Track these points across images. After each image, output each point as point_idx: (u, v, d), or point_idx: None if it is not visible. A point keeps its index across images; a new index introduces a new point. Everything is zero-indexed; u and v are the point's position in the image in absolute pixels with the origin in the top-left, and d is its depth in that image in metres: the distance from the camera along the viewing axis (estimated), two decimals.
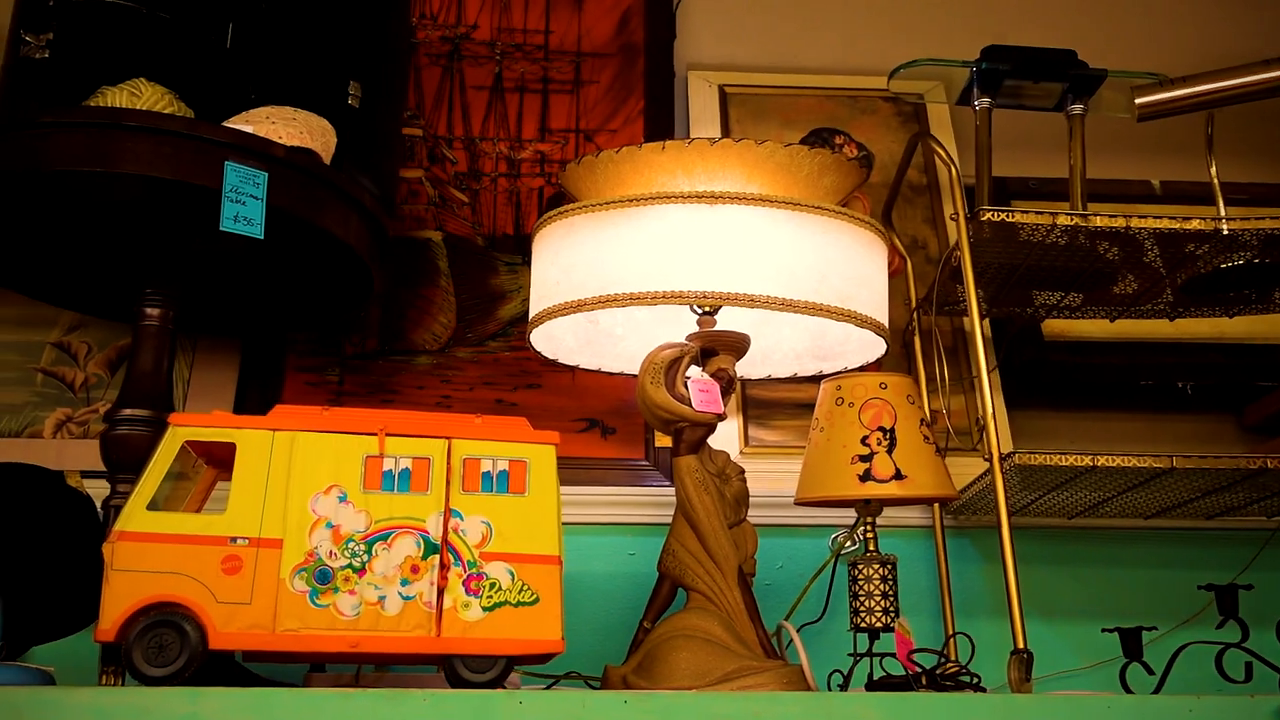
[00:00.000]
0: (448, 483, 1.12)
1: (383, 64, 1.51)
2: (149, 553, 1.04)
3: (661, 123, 1.93)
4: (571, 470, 1.66)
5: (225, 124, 1.31)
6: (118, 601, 1.02)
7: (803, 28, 2.11)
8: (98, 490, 1.31)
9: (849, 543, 1.57)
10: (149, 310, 1.37)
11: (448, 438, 1.13)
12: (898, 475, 1.26)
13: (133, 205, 1.27)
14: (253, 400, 1.69)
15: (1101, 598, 1.69)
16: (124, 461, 1.30)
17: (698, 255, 1.36)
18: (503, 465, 1.14)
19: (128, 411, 1.32)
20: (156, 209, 1.28)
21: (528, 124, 1.93)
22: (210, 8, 1.53)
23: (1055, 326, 1.81)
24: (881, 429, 1.29)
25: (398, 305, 1.78)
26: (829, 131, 1.98)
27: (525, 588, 1.10)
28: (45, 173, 1.20)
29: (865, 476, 1.26)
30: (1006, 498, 1.30)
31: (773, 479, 1.65)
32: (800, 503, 1.36)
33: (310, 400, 1.71)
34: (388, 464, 1.11)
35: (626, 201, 1.40)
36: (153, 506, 1.07)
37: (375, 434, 1.12)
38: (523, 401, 1.73)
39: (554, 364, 1.56)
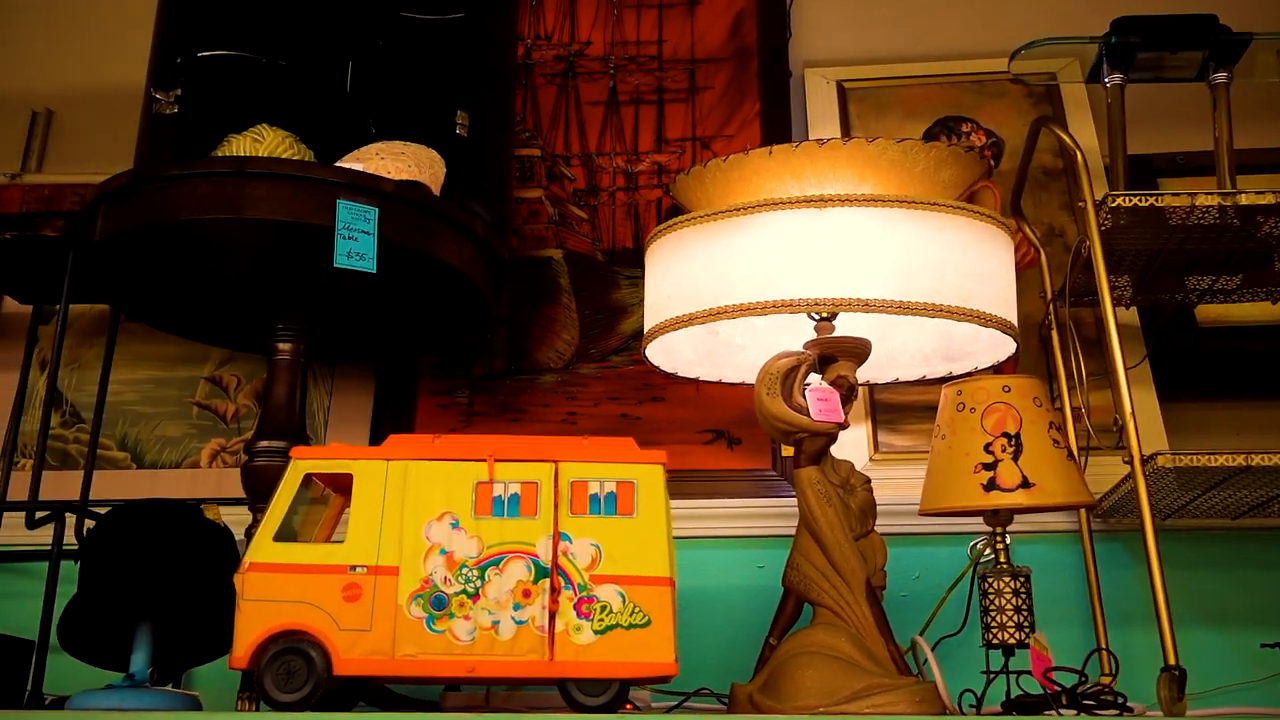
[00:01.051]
0: (556, 506, 1.12)
1: (489, 91, 1.54)
2: (276, 583, 1.09)
3: (778, 124, 1.90)
4: (698, 483, 1.66)
5: (338, 163, 1.36)
6: (248, 630, 1.07)
7: (922, 14, 2.03)
8: (244, 518, 1.38)
9: (989, 550, 1.50)
10: (280, 345, 1.44)
11: (555, 461, 1.14)
12: (1025, 483, 1.19)
13: (257, 246, 1.33)
14: (388, 424, 1.75)
15: (1271, 606, 1.56)
16: (262, 491, 1.36)
17: (808, 261, 1.33)
18: (610, 487, 1.13)
19: (264, 443, 1.39)
20: (279, 248, 1.34)
21: (644, 136, 1.93)
22: (327, 51, 1.59)
23: (1211, 312, 1.69)
24: (1006, 434, 1.22)
25: (522, 325, 1.81)
26: (955, 120, 1.90)
27: (636, 610, 1.09)
28: (175, 222, 1.27)
29: (990, 485, 1.20)
30: (1159, 499, 1.22)
31: (906, 485, 1.59)
32: (925, 513, 1.31)
33: (442, 421, 1.75)
34: (497, 490, 1.12)
35: (733, 211, 1.38)
36: (280, 537, 1.12)
37: (484, 460, 1.13)
38: (647, 415, 1.73)
39: (674, 377, 1.55)
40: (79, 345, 1.85)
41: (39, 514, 1.39)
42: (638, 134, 1.93)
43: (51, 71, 2.12)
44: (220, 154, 1.41)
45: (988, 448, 1.22)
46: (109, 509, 1.29)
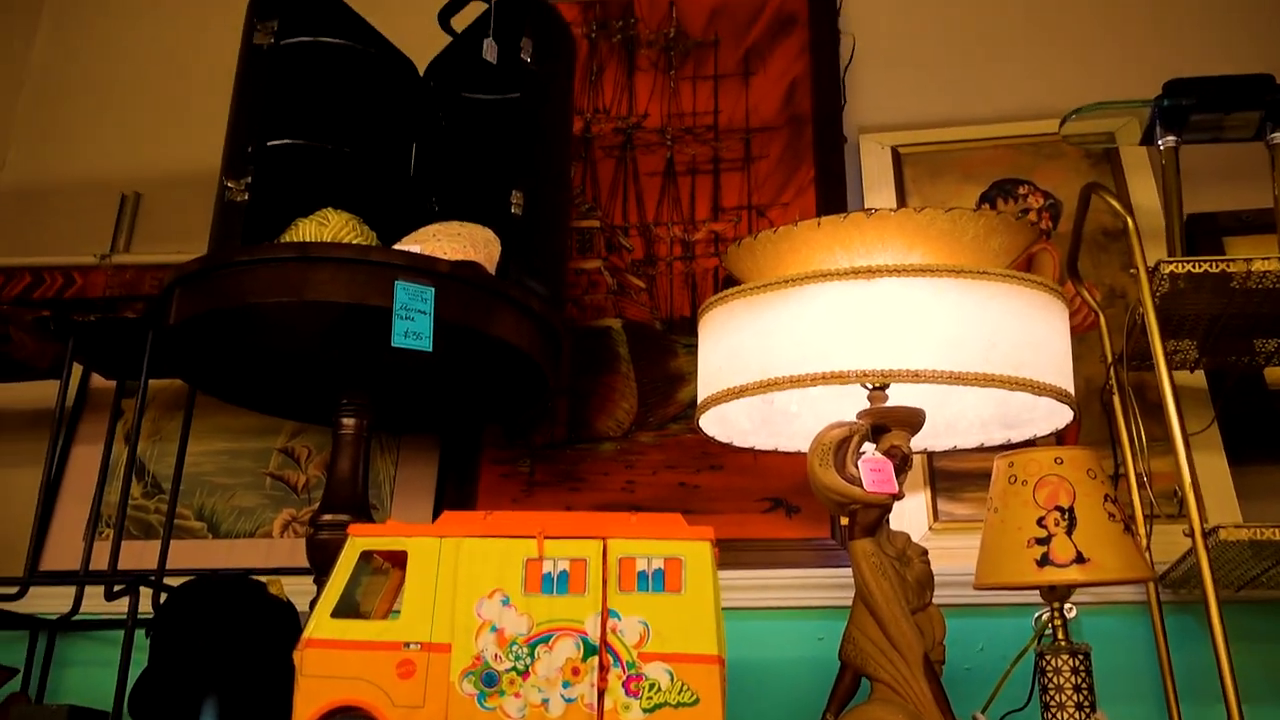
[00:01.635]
0: (604, 583, 1.13)
1: (544, 169, 1.58)
2: (333, 659, 1.12)
3: (833, 190, 1.91)
4: (756, 552, 1.66)
5: (397, 245, 1.41)
6: (307, 705, 1.10)
7: (975, 77, 2.04)
8: (310, 589, 1.42)
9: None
10: (344, 420, 1.49)
11: (603, 538, 1.15)
12: (1079, 558, 1.17)
13: (320, 326, 1.39)
14: (451, 493, 1.78)
15: None
16: (326, 564, 1.40)
17: (857, 332, 1.34)
18: (658, 564, 1.15)
19: (328, 517, 1.43)
20: (341, 328, 1.39)
21: (700, 205, 1.96)
22: (390, 135, 1.65)
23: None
24: (1059, 508, 1.20)
25: (582, 394, 1.83)
26: (1012, 182, 1.90)
27: (685, 688, 1.10)
28: (243, 306, 1.33)
29: (1044, 561, 1.18)
30: (1231, 570, 1.19)
31: (968, 555, 1.57)
32: (979, 588, 1.29)
33: (505, 490, 1.79)
34: (546, 566, 1.14)
35: (782, 283, 1.39)
36: (339, 613, 1.15)
37: (534, 537, 1.15)
38: (705, 484, 1.74)
39: (730, 447, 1.56)
40: (161, 418, 1.93)
41: (116, 586, 1.45)
42: (694, 203, 1.96)
43: (140, 155, 2.24)
44: (288, 237, 1.47)
45: (1040, 521, 1.20)
46: (179, 584, 1.34)
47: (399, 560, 1.24)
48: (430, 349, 1.31)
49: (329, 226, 1.46)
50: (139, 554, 1.77)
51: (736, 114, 2.03)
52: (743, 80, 2.06)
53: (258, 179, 1.46)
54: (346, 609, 1.17)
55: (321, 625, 1.13)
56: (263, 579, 1.35)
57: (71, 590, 1.58)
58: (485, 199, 1.53)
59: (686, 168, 1.99)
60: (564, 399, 1.84)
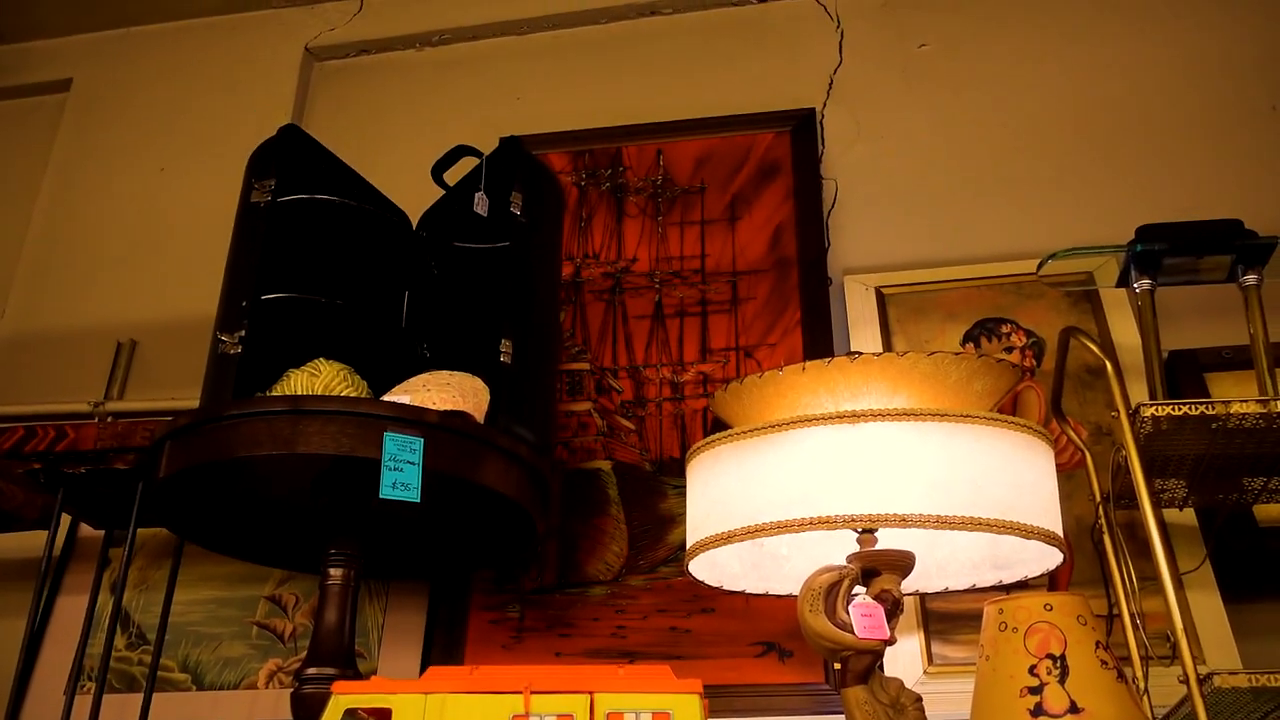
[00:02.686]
0: None
1: (533, 316, 1.61)
2: None
3: (819, 331, 1.95)
4: (749, 699, 1.63)
5: (387, 395, 1.43)
6: None
7: (957, 220, 2.10)
8: None
9: None
10: (332, 570, 1.48)
11: (590, 692, 1.14)
12: (1073, 709, 1.15)
13: (310, 477, 1.39)
14: (440, 641, 1.76)
15: None
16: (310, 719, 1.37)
17: (844, 477, 1.34)
18: (646, 718, 1.13)
19: (313, 670, 1.41)
20: (331, 479, 1.40)
21: (689, 347, 1.99)
22: (381, 286, 1.69)
23: (1272, 511, 1.64)
24: (1050, 656, 1.19)
25: (572, 537, 1.83)
26: (995, 321, 1.93)
27: None
28: (233, 459, 1.34)
29: (1037, 711, 1.16)
30: (1231, 714, 1.17)
31: (964, 699, 1.54)
32: None
33: (494, 637, 1.76)
34: None
35: (767, 428, 1.41)
36: None
37: (520, 692, 1.14)
38: (697, 628, 1.72)
39: (720, 591, 1.55)
40: (148, 567, 1.91)
41: None
42: (683, 345, 1.99)
43: (137, 304, 2.28)
44: (279, 388, 1.49)
45: (1032, 670, 1.19)
46: None
47: (384, 718, 1.22)
48: (419, 500, 1.31)
49: (320, 377, 1.49)
50: (121, 708, 1.73)
51: (724, 258, 2.08)
52: (729, 225, 2.12)
53: (251, 332, 1.49)
54: None
55: None
56: None
57: None
58: (475, 347, 1.56)
59: (675, 310, 2.03)
60: (553, 542, 1.83)
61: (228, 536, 1.64)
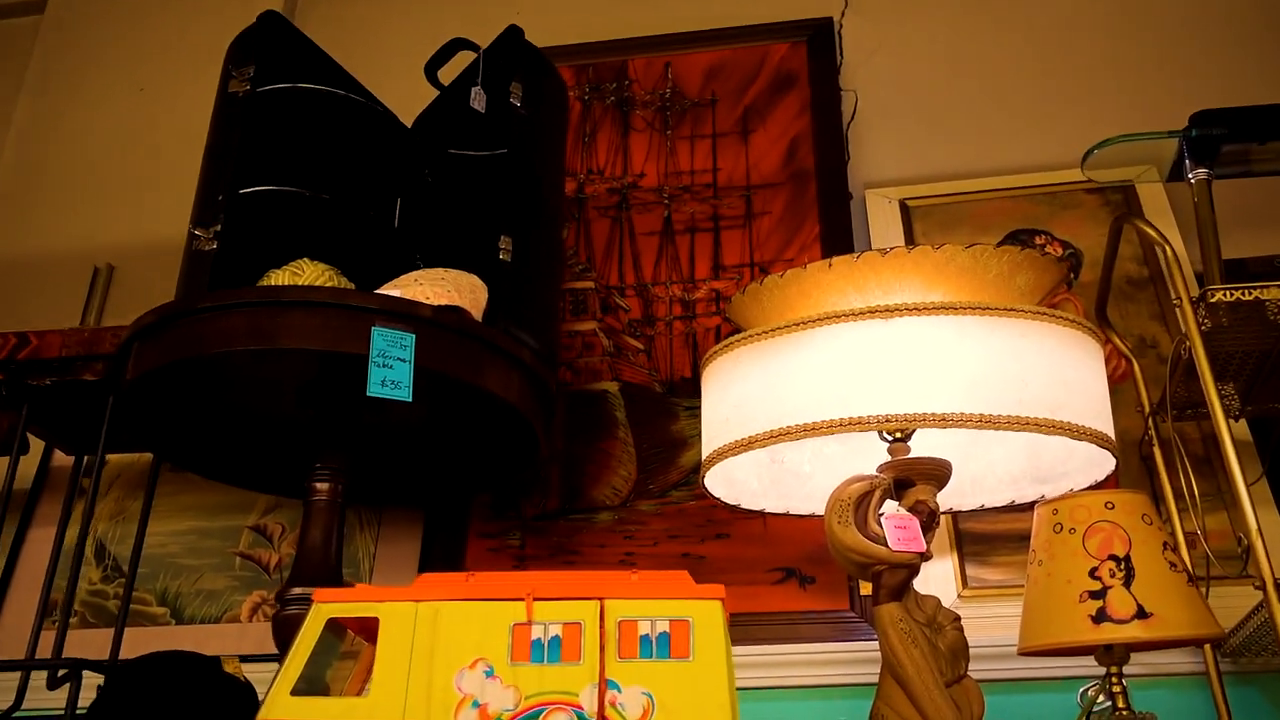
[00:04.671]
0: (602, 650, 1.00)
1: (534, 220, 1.49)
2: None
3: (839, 245, 1.82)
4: (768, 627, 1.52)
5: (377, 291, 1.31)
6: None
7: (984, 128, 1.97)
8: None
9: (1103, 696, 1.32)
10: (318, 485, 1.36)
11: (600, 599, 1.02)
12: (1140, 613, 1.04)
13: (292, 379, 1.27)
14: (437, 569, 1.64)
15: None
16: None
17: (876, 376, 1.23)
18: (663, 627, 1.01)
19: (296, 591, 1.29)
20: (315, 381, 1.28)
21: (700, 264, 1.87)
22: (372, 185, 1.56)
23: None
24: (1114, 557, 1.07)
25: (577, 461, 1.71)
26: (1028, 233, 1.81)
27: None
28: (207, 356, 1.22)
29: (1100, 617, 1.05)
30: None
31: (1000, 624, 1.43)
32: (1025, 653, 1.15)
33: (494, 566, 1.65)
34: (536, 632, 1.01)
35: (792, 326, 1.29)
36: (301, 691, 1.01)
37: (522, 599, 1.02)
38: (711, 554, 1.60)
39: (737, 509, 1.43)
40: (125, 497, 1.80)
41: (60, 672, 1.31)
42: (694, 262, 1.87)
43: (115, 228, 2.16)
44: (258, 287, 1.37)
45: (1094, 573, 1.07)
46: (122, 663, 1.19)
47: (372, 632, 1.11)
48: (410, 399, 1.19)
49: (304, 277, 1.36)
50: (95, 643, 1.62)
51: (736, 172, 1.95)
52: (741, 139, 1.99)
53: (229, 228, 1.37)
54: (310, 686, 1.03)
55: (279, 705, 0.99)
56: (221, 655, 1.20)
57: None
58: (473, 247, 1.44)
59: (685, 226, 1.91)
60: (557, 467, 1.71)
61: (209, 457, 1.52)
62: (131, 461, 1.80)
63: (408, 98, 1.71)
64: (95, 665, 1.32)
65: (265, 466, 1.53)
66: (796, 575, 1.57)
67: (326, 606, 1.04)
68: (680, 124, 2.03)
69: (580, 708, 0.97)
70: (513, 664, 0.99)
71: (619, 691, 0.98)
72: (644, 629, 1.01)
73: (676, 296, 1.83)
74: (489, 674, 0.99)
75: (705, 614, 1.01)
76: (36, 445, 1.81)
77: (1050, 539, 1.13)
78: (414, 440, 1.44)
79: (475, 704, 0.98)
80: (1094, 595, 1.06)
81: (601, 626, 1.00)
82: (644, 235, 1.90)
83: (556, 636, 1.00)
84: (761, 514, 1.46)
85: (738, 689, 1.40)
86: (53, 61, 2.41)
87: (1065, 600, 1.07)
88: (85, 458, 1.83)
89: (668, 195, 1.94)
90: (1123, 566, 1.06)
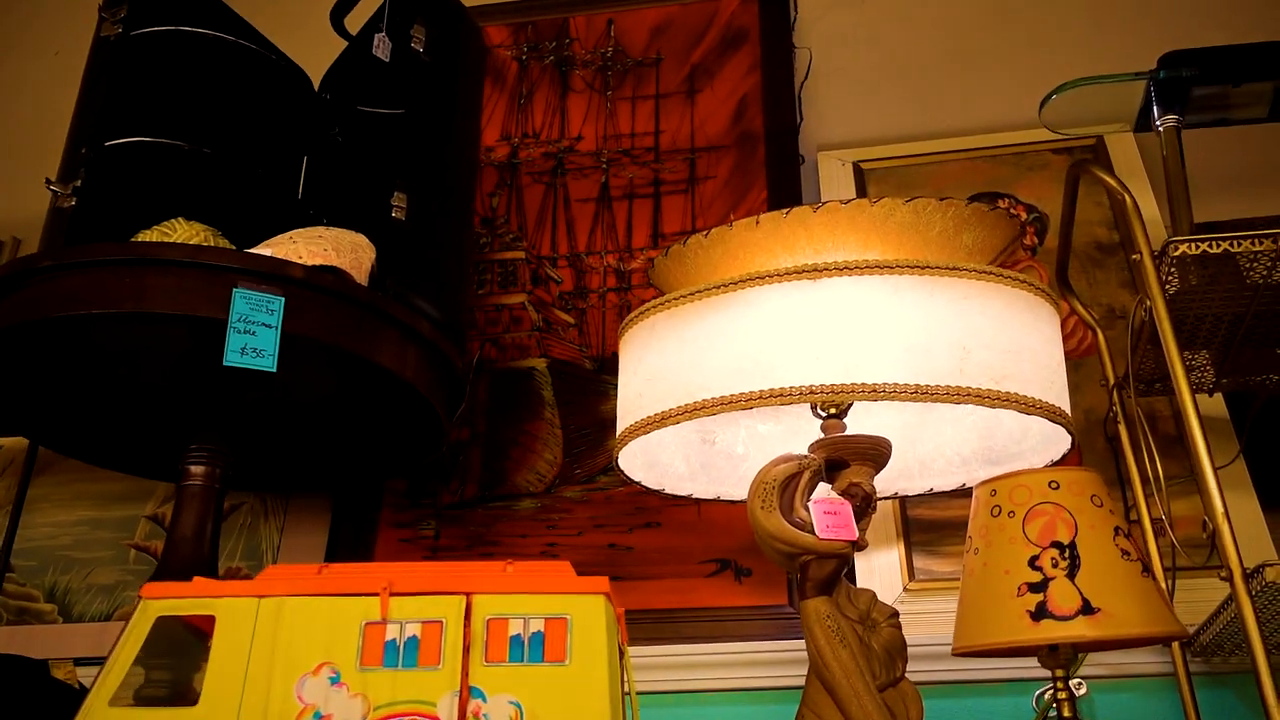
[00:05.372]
0: (466, 652, 0.87)
1: (436, 179, 1.36)
2: None
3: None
4: (701, 624, 1.39)
5: (246, 250, 1.17)
6: None
7: (945, 87, 1.83)
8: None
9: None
10: (192, 469, 1.23)
11: (466, 593, 0.89)
12: (1086, 608, 0.90)
13: (155, 349, 1.14)
14: (343, 561, 1.51)
15: None
16: None
17: (802, 343, 1.09)
18: (537, 625, 0.88)
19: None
20: (184, 352, 1.14)
21: (638, 232, 1.73)
22: (267, 144, 1.43)
23: None
24: (1057, 544, 0.94)
25: (499, 444, 1.58)
26: (991, 196, 1.67)
27: None
28: (48, 320, 1.08)
29: (1040, 612, 0.91)
30: (1269, 630, 0.93)
31: (948, 621, 1.30)
32: (959, 653, 1.02)
33: (406, 557, 1.52)
34: (391, 632, 0.88)
35: (712, 289, 1.16)
36: (125, 699, 0.88)
37: (377, 594, 0.89)
38: (639, 544, 1.47)
39: (660, 494, 1.30)
40: (14, 485, 1.66)
41: None
42: (631, 230, 1.73)
43: (19, 202, 2.02)
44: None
45: (1034, 562, 0.93)
46: None
47: (207, 626, 0.98)
48: (274, 369, 1.06)
49: (175, 235, 1.23)
50: None
51: (681, 134, 1.82)
52: (687, 99, 1.85)
53: (90, 181, 1.23)
54: (137, 694, 0.90)
55: (95, 714, 0.86)
56: (51, 659, 1.07)
57: None
58: (366, 207, 1.30)
59: (623, 192, 1.77)
60: (477, 450, 1.57)
61: (88, 441, 1.39)
62: (19, 445, 1.67)
63: (315, 47, 1.58)
64: None
65: (149, 450, 1.40)
66: (732, 566, 1.44)
67: (156, 604, 0.91)
68: (622, 85, 1.89)
69: (438, 719, 0.84)
70: (362, 669, 0.86)
71: (484, 701, 0.85)
72: (515, 628, 0.87)
73: (611, 267, 1.70)
74: (334, 680, 0.86)
75: (586, 611, 0.88)
76: None
77: (987, 523, 1.00)
78: (303, 420, 1.31)
79: (317, 715, 0.84)
80: (1034, 588, 0.92)
81: (467, 625, 0.87)
82: (579, 202, 1.77)
83: (414, 637, 0.87)
84: (690, 499, 1.33)
85: (663, 693, 1.27)
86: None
87: (1002, 593, 0.94)
88: None
89: (605, 159, 1.80)
90: (1066, 555, 0.92)
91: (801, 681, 1.31)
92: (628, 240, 1.72)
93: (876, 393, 1.05)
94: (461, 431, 1.58)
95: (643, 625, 1.40)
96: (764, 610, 1.39)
